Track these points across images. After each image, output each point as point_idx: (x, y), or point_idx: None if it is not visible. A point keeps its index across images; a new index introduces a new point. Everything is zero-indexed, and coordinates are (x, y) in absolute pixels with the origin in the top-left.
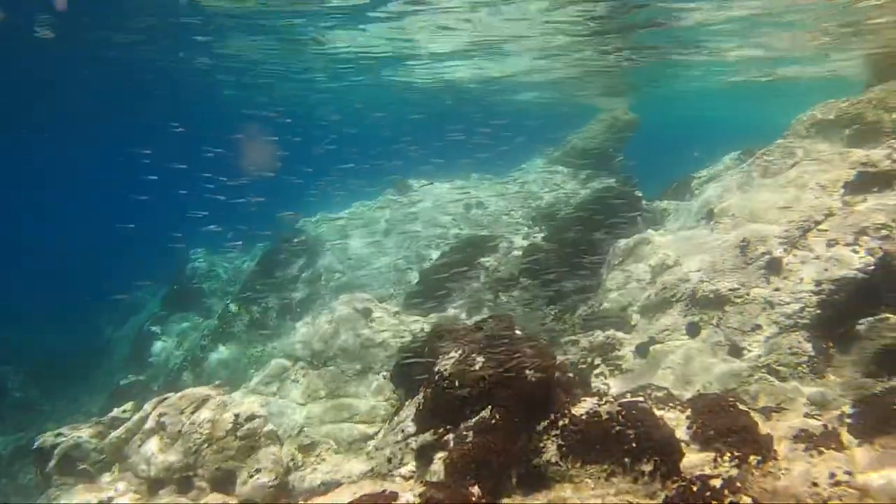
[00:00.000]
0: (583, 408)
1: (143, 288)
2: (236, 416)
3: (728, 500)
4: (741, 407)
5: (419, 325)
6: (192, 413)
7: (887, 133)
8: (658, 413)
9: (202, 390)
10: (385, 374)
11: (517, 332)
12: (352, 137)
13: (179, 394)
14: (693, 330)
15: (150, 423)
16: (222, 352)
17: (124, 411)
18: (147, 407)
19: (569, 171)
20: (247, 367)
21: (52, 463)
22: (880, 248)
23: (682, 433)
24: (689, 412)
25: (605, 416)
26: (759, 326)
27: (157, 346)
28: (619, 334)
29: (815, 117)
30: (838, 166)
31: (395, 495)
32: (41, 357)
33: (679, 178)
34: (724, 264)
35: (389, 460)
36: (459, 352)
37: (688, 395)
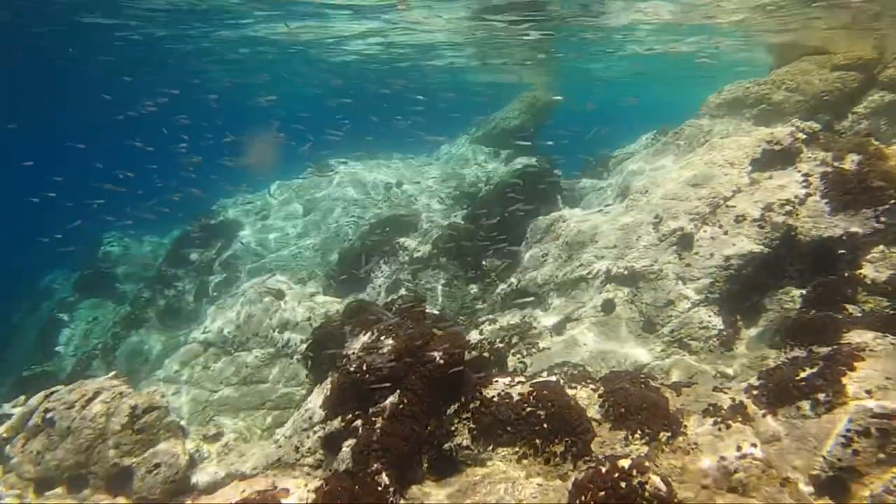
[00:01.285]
0: (494, 389)
1: (55, 272)
2: (133, 407)
3: (636, 479)
4: (652, 383)
5: (335, 306)
6: (84, 407)
7: (790, 112)
8: (570, 392)
9: (96, 382)
10: (298, 357)
11: (428, 311)
12: (274, 117)
13: (70, 386)
14: (608, 307)
15: (35, 420)
16: (135, 338)
17: (15, 406)
18: (32, 402)
19: (490, 150)
20: (161, 354)
21: None
22: (784, 222)
23: (594, 412)
24: (601, 390)
25: (516, 398)
26: (671, 302)
27: (65, 333)
28: (537, 312)
29: (725, 97)
30: (745, 144)
31: (285, 492)
32: None
33: (597, 158)
34: (638, 241)
35: (297, 449)
36: (368, 335)
37: (603, 371)
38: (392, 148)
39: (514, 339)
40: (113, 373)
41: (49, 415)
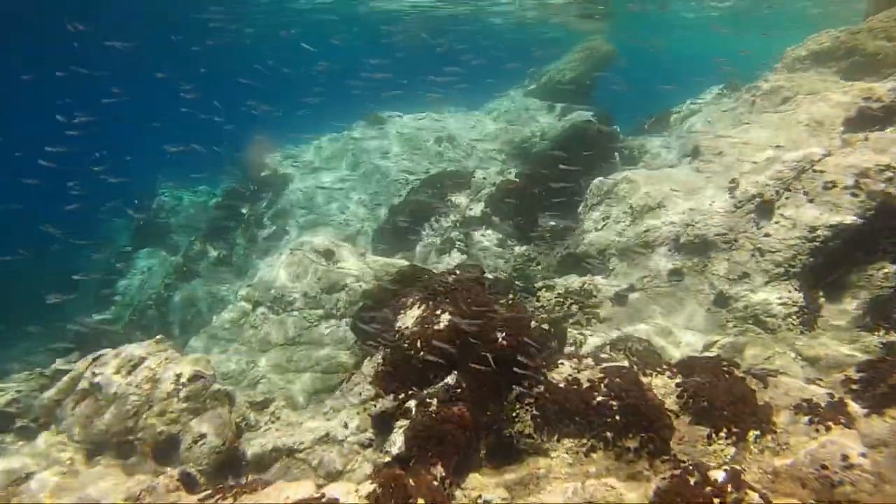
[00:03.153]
0: (560, 373)
1: (114, 220)
2: (178, 375)
3: (732, 496)
4: (737, 373)
5: (385, 267)
6: (130, 373)
7: (891, 65)
8: (644, 380)
9: (142, 347)
10: (348, 321)
11: (488, 283)
12: (321, 68)
13: (115, 351)
14: (676, 277)
15: (83, 384)
16: (187, 290)
17: (69, 361)
18: (79, 365)
19: (544, 104)
20: (211, 306)
21: None
22: (883, 191)
23: (671, 402)
24: (679, 378)
25: (585, 384)
26: (746, 275)
27: (122, 283)
28: (597, 279)
29: (809, 48)
30: (836, 101)
31: (334, 502)
32: (12, 288)
33: (656, 114)
34: (710, 206)
35: (346, 425)
36: (423, 307)
37: (669, 347)
38: (442, 101)
39: (573, 308)
40: (158, 337)
41: (96, 379)
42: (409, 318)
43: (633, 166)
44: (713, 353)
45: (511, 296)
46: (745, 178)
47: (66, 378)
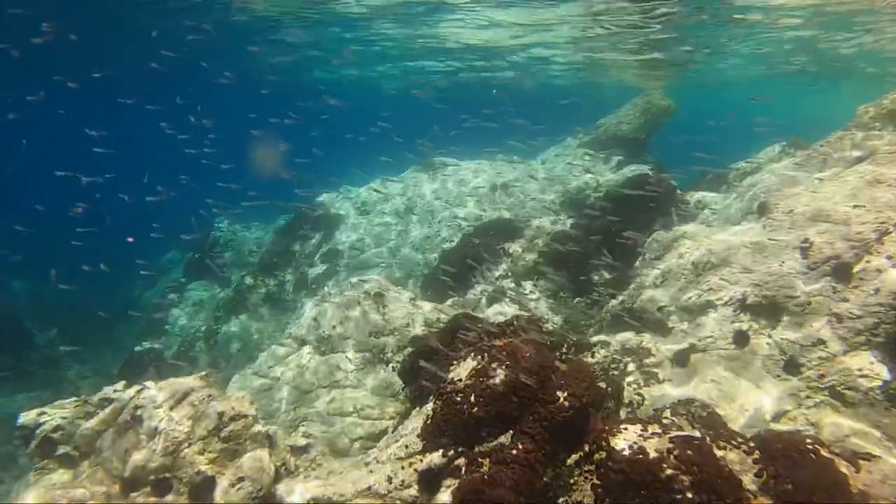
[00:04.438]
0: (624, 440)
1: (173, 252)
2: (220, 414)
3: None
4: (824, 452)
5: (435, 314)
6: (173, 408)
7: None
8: (718, 453)
9: (186, 382)
10: (395, 365)
11: (547, 338)
12: (381, 117)
13: (160, 384)
14: (741, 339)
15: (124, 416)
16: (235, 324)
17: (115, 391)
18: (125, 396)
19: (599, 155)
20: (258, 342)
21: (33, 444)
22: None
23: (749, 482)
24: (756, 454)
25: (652, 455)
26: (821, 341)
27: (174, 313)
28: (656, 338)
29: (886, 106)
30: None
31: None
32: (72, 314)
33: (714, 170)
34: (780, 267)
35: (390, 479)
36: (477, 359)
37: (734, 414)
38: (495, 149)
39: (630, 366)
40: (204, 372)
41: (138, 412)
42: (462, 370)
43: (692, 221)
44: (785, 424)
45: (564, 350)
46: (820, 239)
47: (109, 409)
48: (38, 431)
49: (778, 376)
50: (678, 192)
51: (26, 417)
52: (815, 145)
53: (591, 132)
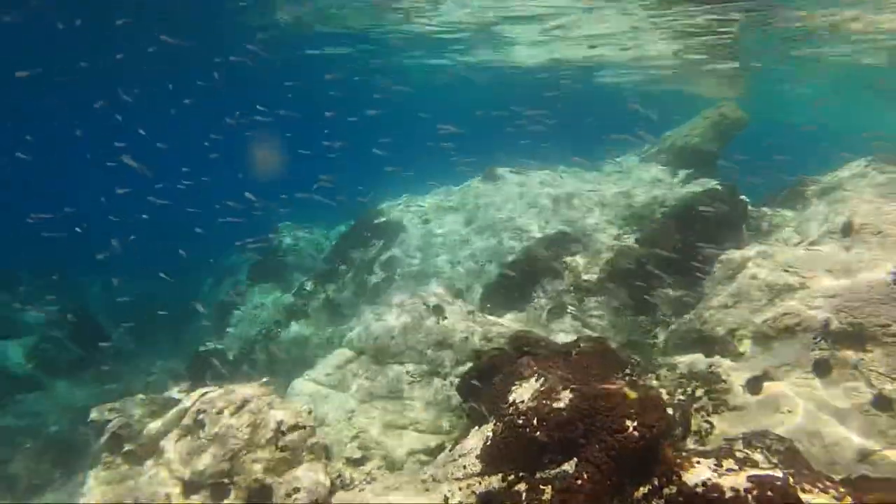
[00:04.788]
0: (697, 476)
1: (239, 253)
2: (279, 423)
3: None
4: None
5: (496, 328)
6: (233, 414)
7: None
8: (803, 497)
9: (246, 388)
10: (454, 380)
11: (616, 361)
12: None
13: (221, 390)
14: (823, 369)
15: (187, 420)
16: (295, 329)
17: (179, 390)
18: (187, 401)
19: (666, 169)
20: (317, 347)
21: (102, 440)
22: None
23: None
24: (849, 500)
25: (728, 493)
26: None
27: (236, 315)
28: (726, 362)
29: None
30: None
31: None
32: (143, 310)
33: (788, 185)
34: (869, 292)
35: (447, 500)
36: (541, 381)
37: (815, 450)
38: (558, 160)
39: (699, 392)
40: (264, 380)
41: (200, 416)
42: (524, 391)
43: (765, 239)
44: (871, 465)
45: (628, 371)
46: None
47: (173, 411)
48: (107, 427)
49: (865, 412)
50: (749, 207)
51: (96, 413)
52: None
53: (658, 144)
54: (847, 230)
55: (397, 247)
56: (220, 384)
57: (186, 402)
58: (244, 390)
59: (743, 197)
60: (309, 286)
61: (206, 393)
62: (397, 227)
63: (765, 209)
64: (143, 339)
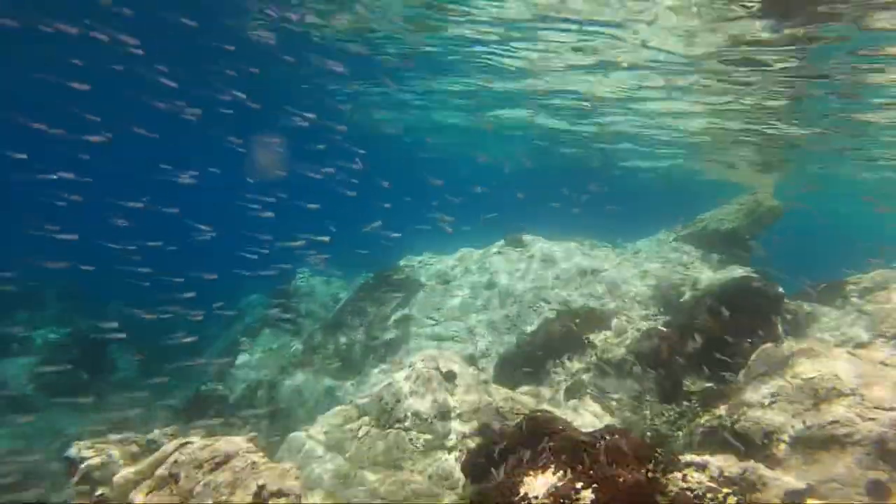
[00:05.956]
0: None
1: (254, 295)
2: (261, 487)
3: None
4: None
5: (510, 403)
6: (212, 471)
7: None
8: None
9: (232, 443)
10: (458, 454)
11: (644, 457)
12: (468, 183)
13: (205, 441)
14: (878, 491)
15: (162, 470)
16: (300, 379)
17: (165, 434)
18: (167, 448)
19: (698, 252)
20: (319, 401)
21: (75, 479)
22: None
23: None
24: None
25: None
26: None
27: (242, 358)
28: (761, 468)
29: None
30: None
31: None
32: (151, 341)
33: (826, 280)
34: None
35: None
36: (559, 474)
37: None
38: (583, 233)
39: (731, 500)
40: (251, 434)
41: (176, 469)
42: (539, 485)
43: (802, 335)
44: None
45: (651, 467)
46: None
47: (150, 458)
48: (81, 466)
49: None
50: (785, 300)
51: (75, 450)
52: None
53: (690, 226)
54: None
55: (414, 305)
56: (209, 432)
57: (166, 450)
58: (229, 444)
59: (779, 288)
60: (319, 336)
61: (188, 443)
62: (415, 285)
63: (801, 303)
64: (150, 370)
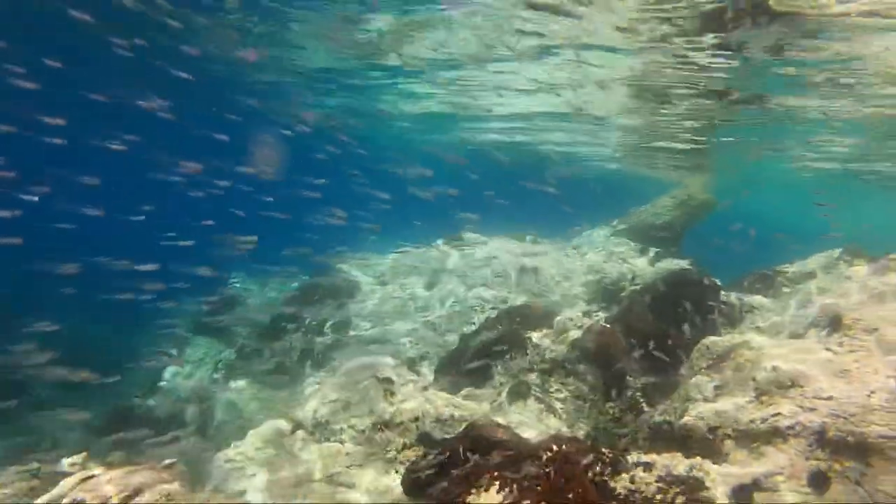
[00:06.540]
0: None
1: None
2: None
3: None
4: None
5: (451, 409)
6: None
7: None
8: None
9: (142, 473)
10: (398, 467)
11: (591, 464)
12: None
13: (109, 475)
14: (819, 482)
15: None
16: (232, 390)
17: (73, 463)
18: (66, 483)
19: (636, 246)
20: (253, 413)
21: None
22: None
23: None
24: None
25: None
26: None
27: (170, 370)
28: (707, 464)
29: None
30: None
31: None
32: (74, 356)
33: (757, 270)
34: (868, 399)
35: None
36: (504, 491)
37: None
38: (524, 228)
39: (679, 500)
40: (168, 461)
41: None
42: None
43: (740, 327)
44: None
45: (598, 470)
46: None
47: (47, 496)
48: None
49: None
50: (722, 291)
51: None
52: (889, 255)
53: (627, 221)
54: (836, 325)
55: (351, 308)
56: (126, 456)
57: (65, 486)
58: (140, 474)
59: (716, 280)
60: (253, 344)
61: (91, 477)
62: (353, 287)
63: (734, 294)
64: (70, 386)
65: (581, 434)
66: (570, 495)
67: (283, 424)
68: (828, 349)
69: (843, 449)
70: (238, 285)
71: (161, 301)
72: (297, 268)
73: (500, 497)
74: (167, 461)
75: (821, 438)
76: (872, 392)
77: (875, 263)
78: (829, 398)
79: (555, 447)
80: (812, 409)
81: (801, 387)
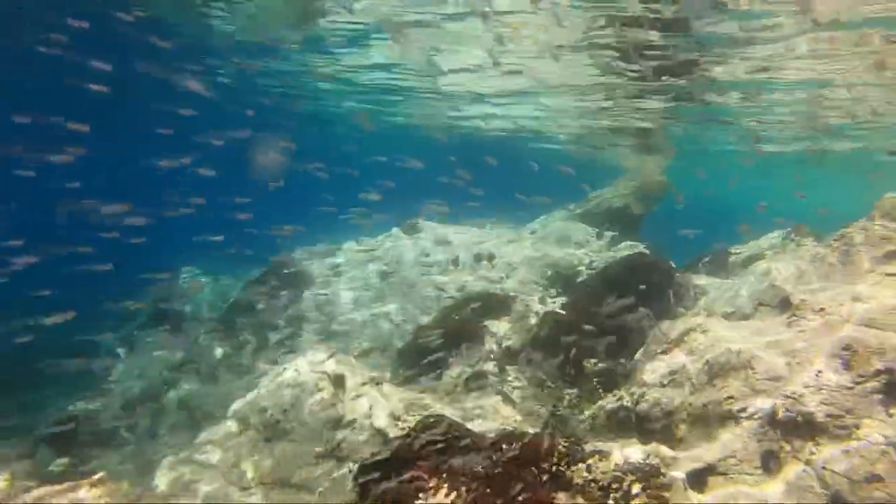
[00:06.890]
0: None
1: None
2: None
3: None
4: None
5: (403, 404)
6: None
7: None
8: None
9: (73, 492)
10: (351, 466)
11: (546, 460)
12: (363, 168)
13: (37, 493)
14: (771, 463)
15: None
16: (183, 388)
17: (4, 480)
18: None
19: (592, 230)
20: (208, 412)
21: None
22: None
23: None
24: None
25: None
26: (876, 477)
27: (119, 369)
28: (663, 450)
29: None
30: None
31: None
32: (18, 357)
33: (709, 252)
34: (817, 378)
35: None
36: (453, 494)
37: None
38: (483, 214)
39: (636, 488)
40: (101, 473)
41: None
42: None
43: (693, 308)
44: None
45: (555, 460)
46: (864, 347)
47: None
48: None
49: None
50: (676, 274)
51: None
52: (836, 236)
53: (584, 204)
54: (785, 306)
55: (305, 301)
56: (66, 468)
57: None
58: (70, 495)
59: (671, 262)
60: (205, 340)
61: (29, 490)
62: (307, 278)
63: (689, 275)
64: (8, 391)
65: (539, 422)
66: (523, 498)
67: (233, 426)
68: (777, 330)
69: (792, 429)
70: (188, 280)
71: (108, 298)
72: (251, 260)
73: (448, 500)
74: (95, 477)
75: (771, 420)
76: (820, 372)
77: (821, 243)
78: (778, 378)
79: (508, 443)
80: (763, 392)
81: (752, 369)
